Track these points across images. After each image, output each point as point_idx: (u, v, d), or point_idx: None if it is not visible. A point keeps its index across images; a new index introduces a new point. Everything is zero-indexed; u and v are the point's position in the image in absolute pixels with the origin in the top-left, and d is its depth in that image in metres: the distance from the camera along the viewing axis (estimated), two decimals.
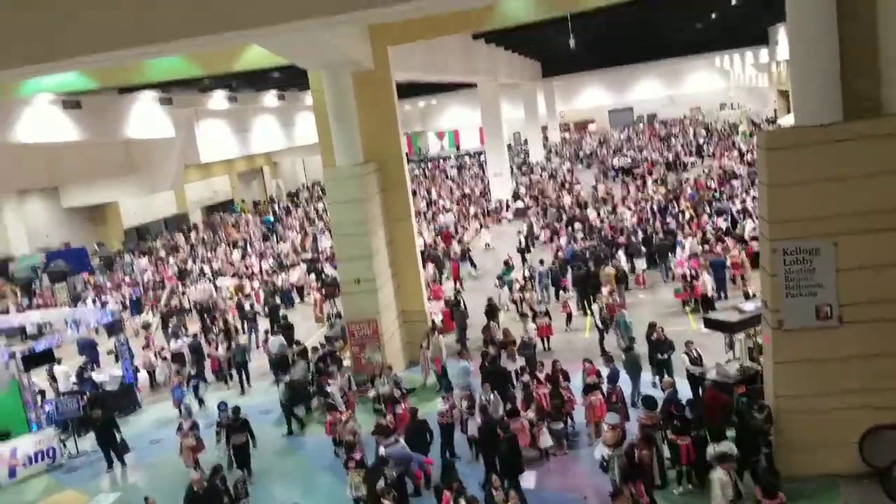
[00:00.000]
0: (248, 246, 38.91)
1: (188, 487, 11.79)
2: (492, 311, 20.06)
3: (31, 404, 17.04)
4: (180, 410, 17.03)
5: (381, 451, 12.43)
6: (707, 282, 20.43)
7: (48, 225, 40.96)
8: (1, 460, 15.59)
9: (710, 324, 15.33)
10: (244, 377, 19.47)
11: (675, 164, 45.81)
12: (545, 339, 19.42)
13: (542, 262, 25.14)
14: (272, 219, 49.02)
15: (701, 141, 54.49)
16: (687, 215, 28.73)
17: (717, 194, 32.66)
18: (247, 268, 32.33)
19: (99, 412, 16.00)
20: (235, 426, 14.74)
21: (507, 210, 40.30)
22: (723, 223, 26.78)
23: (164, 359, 20.97)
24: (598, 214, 31.96)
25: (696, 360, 14.69)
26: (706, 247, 23.37)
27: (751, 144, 45.97)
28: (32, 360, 17.18)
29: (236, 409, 15.10)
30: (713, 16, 36.34)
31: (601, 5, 19.36)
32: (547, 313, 19.65)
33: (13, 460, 15.76)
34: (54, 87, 23.63)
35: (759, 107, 67.87)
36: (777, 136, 12.54)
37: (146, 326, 23.64)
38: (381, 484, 11.26)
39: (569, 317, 21.08)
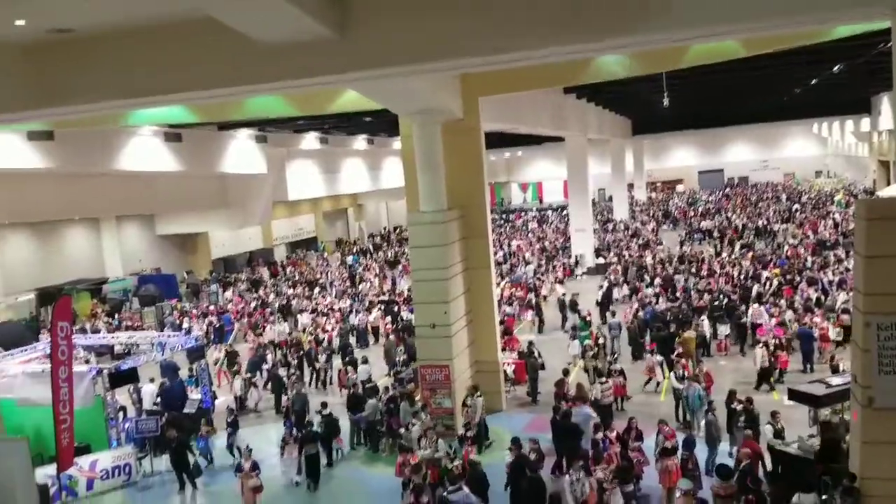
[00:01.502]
0: (329, 285, 39.54)
1: None
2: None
3: (112, 421, 17.62)
4: (207, 459, 17.42)
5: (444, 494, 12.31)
6: (758, 355, 19.85)
7: (141, 250, 42.79)
8: (81, 472, 16.14)
9: (795, 396, 14.71)
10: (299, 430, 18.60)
11: (764, 230, 44.63)
12: (620, 399, 19.00)
13: (613, 313, 25.24)
14: (358, 258, 50.03)
15: (794, 208, 52.97)
16: (774, 283, 27.81)
17: (808, 263, 31.61)
18: (325, 306, 32.80)
19: (174, 432, 16.42)
20: (308, 437, 16.03)
21: (577, 265, 39.78)
22: (813, 294, 25.83)
23: (255, 385, 21.57)
24: (682, 275, 31.23)
25: (780, 433, 14.07)
26: (794, 316, 22.71)
27: (846, 214, 44.47)
28: (118, 379, 17.85)
29: (309, 423, 16.68)
30: (813, 81, 35.62)
31: (698, 64, 19.20)
32: (621, 372, 19.22)
33: (92, 473, 16.30)
34: (158, 119, 24.81)
35: (857, 176, 65.66)
36: (877, 205, 12.11)
37: (216, 362, 24.29)
38: None
39: (649, 379, 20.52)
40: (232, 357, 24.20)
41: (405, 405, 17.63)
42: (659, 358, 20.48)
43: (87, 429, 17.00)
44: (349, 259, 49.84)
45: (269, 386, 21.81)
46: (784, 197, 60.75)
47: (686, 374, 17.97)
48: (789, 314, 23.03)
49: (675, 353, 20.17)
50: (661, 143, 72.63)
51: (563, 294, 29.05)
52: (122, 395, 19.84)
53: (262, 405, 21.61)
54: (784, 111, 51.73)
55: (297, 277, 43.76)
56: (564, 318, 27.73)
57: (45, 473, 15.51)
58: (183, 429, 17.12)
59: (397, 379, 20.43)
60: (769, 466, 13.40)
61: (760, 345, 20.30)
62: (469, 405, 17.35)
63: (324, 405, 17.76)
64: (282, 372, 21.98)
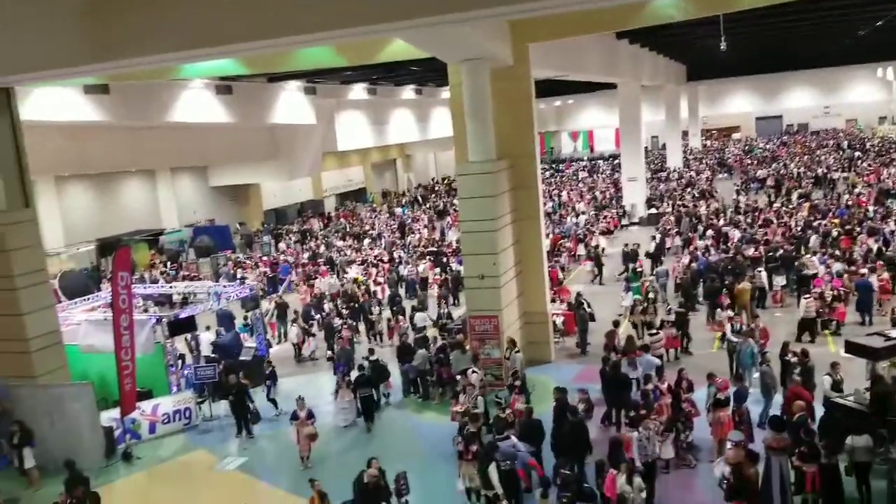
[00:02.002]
0: (378, 237, 39.74)
1: (358, 480, 11.67)
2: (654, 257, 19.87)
3: (172, 367, 18.19)
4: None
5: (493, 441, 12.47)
6: (803, 305, 19.49)
7: (196, 202, 43.60)
8: (143, 416, 16.76)
9: (852, 348, 14.42)
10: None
11: (823, 179, 43.32)
12: (675, 350, 18.91)
13: (661, 263, 25.21)
14: (407, 209, 50.25)
15: (856, 155, 51.18)
16: (833, 233, 27.08)
17: (869, 213, 30.67)
18: (375, 258, 33.08)
19: (235, 378, 16.85)
20: (361, 380, 16.73)
21: (624, 216, 39.35)
22: (873, 244, 25.09)
23: (312, 334, 22.02)
24: (739, 226, 30.58)
25: (839, 385, 13.82)
26: (844, 267, 22.27)
27: None
28: (176, 327, 18.35)
29: (361, 366, 17.40)
30: (879, 23, 34.07)
31: (758, 6, 18.48)
32: (675, 324, 19.02)
33: (154, 417, 16.92)
34: (209, 72, 24.98)
35: None
36: None
37: (266, 313, 24.70)
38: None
39: (723, 335, 19.38)
40: (282, 308, 24.47)
41: (457, 354, 17.80)
42: (729, 313, 19.44)
43: (148, 375, 17.62)
44: (398, 210, 50.05)
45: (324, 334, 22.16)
46: (846, 144, 58.72)
47: (742, 327, 17.69)
48: (837, 266, 22.46)
49: (727, 304, 19.85)
50: (717, 88, 70.50)
51: (626, 245, 28.36)
52: (181, 343, 20.43)
53: (318, 353, 21.98)
54: (847, 55, 49.66)
55: (347, 229, 44.10)
56: (626, 269, 27.11)
57: (110, 417, 16.17)
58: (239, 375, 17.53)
59: (444, 329, 20.63)
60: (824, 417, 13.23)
61: (807, 296, 19.88)
62: (508, 358, 17.40)
63: (371, 351, 18.11)
64: (336, 322, 22.28)
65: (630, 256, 27.03)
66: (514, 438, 12.51)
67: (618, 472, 11.06)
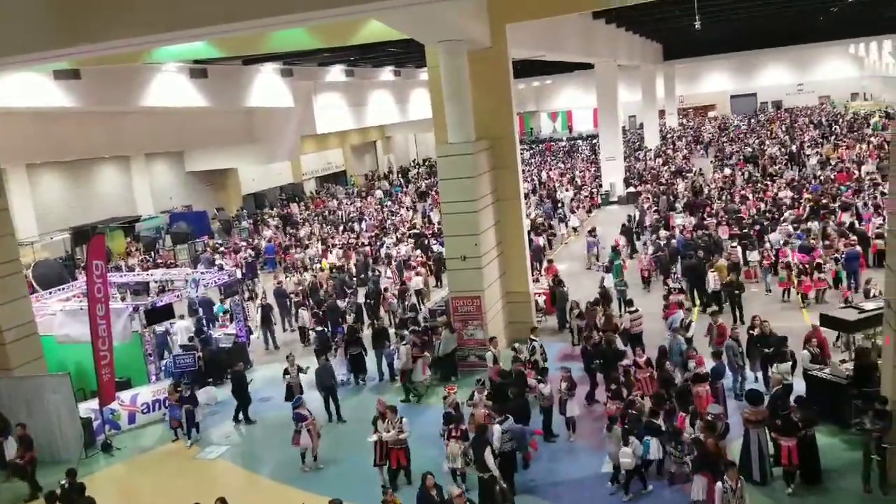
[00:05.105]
0: (359, 221, 39.29)
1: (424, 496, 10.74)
2: (604, 297, 19.64)
3: (150, 357, 18.03)
4: (175, 432, 16.03)
5: (496, 428, 12.12)
6: (710, 279, 20.24)
7: (172, 188, 43.10)
8: (123, 406, 16.61)
9: (827, 321, 14.62)
10: (335, 407, 16.31)
11: (798, 156, 43.58)
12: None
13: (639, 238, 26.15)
14: (399, 189, 50.59)
15: (828, 131, 51.53)
16: (807, 209, 27.33)
17: (842, 188, 30.94)
18: (357, 240, 32.84)
19: (241, 365, 17.23)
20: (352, 340, 18.21)
21: (596, 195, 39.73)
22: (847, 218, 25.35)
23: (317, 315, 21.47)
24: (716, 201, 30.81)
25: (817, 358, 13.96)
26: (825, 241, 22.64)
27: (883, 138, 43.25)
28: (154, 316, 18.17)
29: (352, 328, 19.07)
30: None
31: None
32: (681, 290, 19.74)
33: (133, 407, 16.78)
34: (182, 55, 24.60)
35: (894, 98, 63.53)
36: None
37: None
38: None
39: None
40: (266, 311, 22.12)
41: (446, 333, 17.82)
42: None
43: (126, 364, 17.46)
44: (379, 194, 49.68)
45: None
46: (824, 120, 58.96)
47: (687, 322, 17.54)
48: (774, 236, 23.38)
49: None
50: (693, 67, 70.70)
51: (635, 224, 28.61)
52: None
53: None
54: (820, 32, 49.91)
55: (325, 215, 43.53)
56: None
57: (88, 408, 16.00)
58: (219, 363, 17.47)
59: (429, 310, 20.66)
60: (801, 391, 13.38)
61: (713, 269, 20.53)
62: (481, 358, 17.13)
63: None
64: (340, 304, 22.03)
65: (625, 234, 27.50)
66: (511, 419, 12.45)
67: (686, 415, 11.97)
